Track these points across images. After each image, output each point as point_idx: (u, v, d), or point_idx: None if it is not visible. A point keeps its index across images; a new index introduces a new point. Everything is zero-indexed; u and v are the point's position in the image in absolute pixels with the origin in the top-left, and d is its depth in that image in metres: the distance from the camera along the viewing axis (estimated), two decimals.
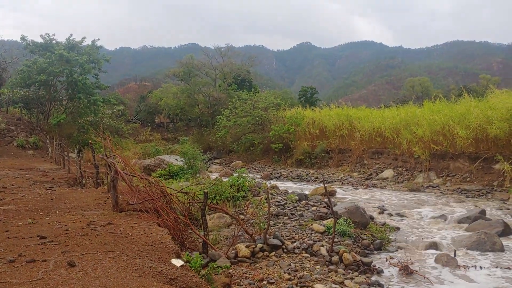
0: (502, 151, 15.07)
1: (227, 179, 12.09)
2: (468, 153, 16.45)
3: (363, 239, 8.97)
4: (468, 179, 15.99)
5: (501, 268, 7.87)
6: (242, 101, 28.09)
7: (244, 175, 12.26)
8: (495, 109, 15.27)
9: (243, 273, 6.82)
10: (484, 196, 14.46)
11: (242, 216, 9.42)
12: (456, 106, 17.92)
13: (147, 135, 37.00)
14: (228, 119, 27.44)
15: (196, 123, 37.35)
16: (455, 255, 8.45)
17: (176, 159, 20.66)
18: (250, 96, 28.47)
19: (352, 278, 6.86)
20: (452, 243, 9.46)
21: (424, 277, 7.33)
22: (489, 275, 7.54)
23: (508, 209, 12.28)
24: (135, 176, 7.60)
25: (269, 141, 25.19)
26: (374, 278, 7.16)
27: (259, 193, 11.72)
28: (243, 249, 7.51)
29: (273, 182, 17.27)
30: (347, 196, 15.03)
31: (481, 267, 7.88)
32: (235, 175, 12.67)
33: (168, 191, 8.01)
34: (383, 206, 12.91)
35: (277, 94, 31.65)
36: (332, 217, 9.14)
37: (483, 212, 11.38)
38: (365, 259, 7.75)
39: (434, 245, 9.12)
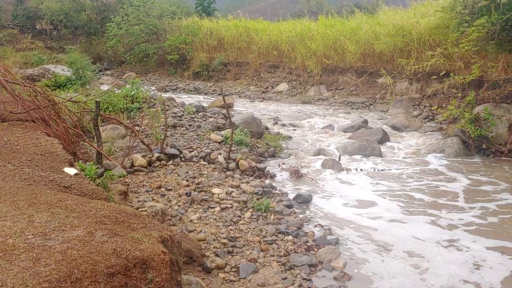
0: (386, 66, 16.19)
1: (119, 91, 11.62)
2: (356, 68, 17.45)
3: (258, 148, 9.39)
4: (354, 92, 17.12)
5: (378, 169, 8.82)
6: (134, 7, 26.31)
7: (138, 86, 11.87)
8: (382, 25, 16.12)
9: (140, 181, 6.86)
10: (367, 107, 15.68)
11: (137, 128, 9.27)
12: (348, 22, 18.58)
13: (27, 43, 33.53)
14: (119, 27, 25.68)
15: (84, 30, 34.45)
16: (339, 160, 9.26)
17: (63, 70, 19.24)
18: (143, 2, 26.72)
19: (247, 182, 7.25)
20: (337, 149, 10.30)
21: (312, 179, 7.99)
22: (367, 175, 8.43)
23: (387, 118, 13.49)
24: (18, 84, 6.99)
25: (164, 52, 24.29)
26: (267, 181, 7.64)
27: (154, 104, 11.51)
28: (139, 159, 7.49)
29: (169, 95, 17.00)
30: (244, 108, 15.36)
31: (361, 169, 8.76)
32: (128, 86, 12.21)
33: (56, 100, 7.54)
34: (277, 117, 13.46)
35: (173, 1, 30.05)
36: (229, 128, 9.38)
37: (365, 121, 12.40)
38: (260, 165, 8.18)
39: (321, 152, 9.87)
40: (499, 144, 10.15)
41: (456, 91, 12.34)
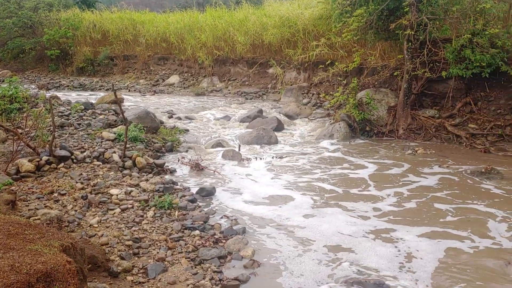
0: (275, 57, 16.67)
1: None
2: (247, 59, 17.73)
3: (154, 143, 9.14)
4: (247, 83, 17.40)
5: (276, 156, 9.08)
6: None
7: (16, 84, 10.84)
8: (269, 17, 16.55)
9: (29, 188, 6.30)
10: (260, 97, 16.04)
11: (20, 130, 8.49)
12: (236, 13, 18.77)
13: None
14: None
15: None
16: (239, 150, 9.36)
17: None
18: None
19: (147, 180, 7.02)
20: (236, 140, 10.41)
21: (214, 172, 7.98)
22: (269, 163, 8.64)
23: (280, 107, 13.93)
24: None
25: (43, 47, 22.46)
26: (168, 177, 7.46)
27: (37, 104, 10.62)
28: (26, 164, 6.86)
29: (52, 93, 15.82)
30: (136, 103, 14.83)
31: (261, 158, 8.95)
32: (4, 85, 11.10)
33: None
34: (172, 110, 13.21)
35: None
36: (122, 124, 8.98)
37: (260, 111, 12.68)
38: (158, 161, 7.97)
39: (220, 143, 9.90)
40: (381, 126, 11.03)
41: (341, 79, 13.13)
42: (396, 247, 5.26)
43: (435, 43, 10.14)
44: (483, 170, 7.86)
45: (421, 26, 9.94)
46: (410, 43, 10.35)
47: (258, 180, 7.70)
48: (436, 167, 8.34)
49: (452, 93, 10.66)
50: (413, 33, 9.97)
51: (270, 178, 7.81)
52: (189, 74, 19.43)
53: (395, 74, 11.42)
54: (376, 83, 12.20)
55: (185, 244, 5.11)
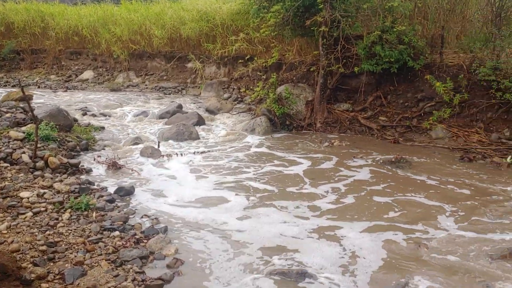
0: (194, 51, 16.47)
1: None
2: (164, 53, 17.35)
3: (68, 142, 8.67)
4: (165, 77, 17.04)
5: (197, 152, 8.99)
6: None
7: None
8: (187, 10, 16.29)
9: None
10: (179, 92, 15.80)
11: None
12: (152, 7, 18.27)
13: None
14: None
15: None
16: (158, 146, 9.15)
17: None
18: None
19: (61, 181, 6.64)
20: (155, 136, 10.17)
21: (132, 170, 7.73)
22: (189, 159, 8.53)
23: (200, 102, 13.81)
24: None
25: None
26: (84, 177, 7.12)
27: None
28: None
29: None
30: (47, 100, 13.96)
31: (182, 154, 8.81)
32: None
33: None
34: (86, 107, 12.60)
35: None
36: (32, 122, 8.42)
37: (180, 106, 12.49)
38: (73, 161, 7.58)
39: (138, 140, 9.61)
40: (300, 120, 11.32)
41: (261, 74, 13.27)
42: (341, 245, 5.24)
43: (348, 39, 10.58)
44: (393, 160, 8.35)
45: (334, 23, 10.31)
46: (325, 40, 10.71)
47: (181, 177, 7.57)
48: (361, 161, 8.62)
49: (364, 88, 11.19)
50: (327, 29, 10.32)
51: (194, 176, 7.66)
52: (103, 69, 18.63)
53: (311, 69, 11.77)
54: (294, 78, 12.49)
55: (105, 246, 4.90)
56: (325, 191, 7.03)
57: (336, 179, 7.61)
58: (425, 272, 4.63)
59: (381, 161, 8.49)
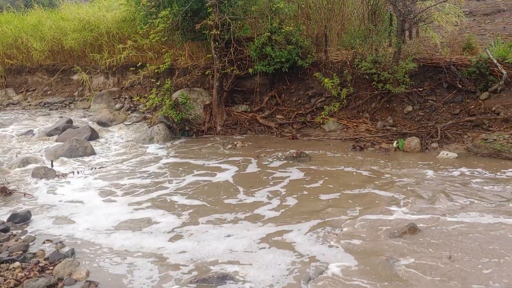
0: (79, 62, 15.63)
1: None
2: (46, 66, 16.26)
3: None
4: (49, 92, 15.96)
5: (97, 168, 8.52)
6: None
7: None
8: (67, 20, 15.41)
9: None
10: (67, 106, 14.89)
11: None
12: (27, 17, 16.99)
13: None
14: None
15: None
16: (52, 166, 8.52)
17: None
18: None
19: None
20: (47, 156, 9.46)
21: (25, 194, 7.12)
22: (90, 177, 8.05)
23: (91, 115, 13.15)
24: None
25: None
26: None
27: None
28: None
29: None
30: None
31: (79, 172, 8.29)
32: None
33: None
34: None
35: None
36: None
37: (70, 121, 11.77)
38: None
39: (28, 161, 8.87)
40: (199, 124, 11.28)
41: (153, 80, 12.98)
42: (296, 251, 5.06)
43: (240, 42, 10.78)
44: (294, 155, 8.67)
45: (225, 26, 10.44)
46: (217, 43, 10.79)
47: (87, 199, 6.98)
48: (276, 161, 8.78)
49: (259, 88, 11.48)
50: (218, 32, 10.41)
51: (103, 197, 7.08)
52: None
53: (206, 73, 11.79)
54: (189, 83, 12.42)
55: (5, 280, 4.44)
56: (266, 197, 6.80)
57: (271, 182, 7.44)
58: (334, 255, 4.86)
59: (283, 156, 8.75)
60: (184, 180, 7.74)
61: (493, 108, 9.39)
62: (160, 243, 5.36)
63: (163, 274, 4.66)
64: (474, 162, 8.06)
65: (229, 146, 9.74)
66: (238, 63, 11.06)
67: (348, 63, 10.89)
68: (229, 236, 5.48)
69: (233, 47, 10.59)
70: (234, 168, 8.28)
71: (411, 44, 11.48)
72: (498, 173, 7.38)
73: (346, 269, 4.60)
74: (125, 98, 14.28)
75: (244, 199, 6.77)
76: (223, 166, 8.47)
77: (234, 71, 10.95)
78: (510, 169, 7.55)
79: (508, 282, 4.21)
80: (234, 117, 11.26)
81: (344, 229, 5.56)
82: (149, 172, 8.25)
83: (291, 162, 8.46)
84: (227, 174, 8.00)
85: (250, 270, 4.67)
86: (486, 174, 7.40)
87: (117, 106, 13.82)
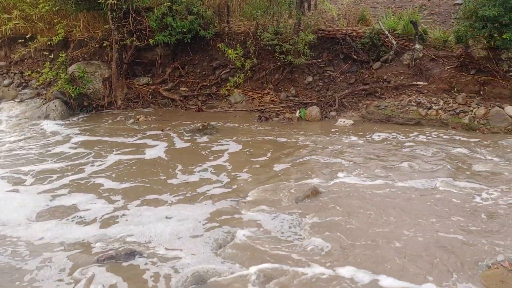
0: None
1: None
2: None
3: None
4: None
5: None
6: None
7: None
8: None
9: None
10: None
11: None
12: None
13: None
14: None
15: None
16: None
17: None
18: None
19: None
20: None
21: None
22: None
23: None
24: None
25: None
26: None
27: None
28: None
29: None
30: None
31: None
32: None
33: None
34: None
35: None
36: None
37: None
38: None
39: None
40: (98, 99, 10.76)
41: (47, 53, 12.07)
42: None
43: (139, 12, 10.35)
44: (200, 127, 8.63)
45: None
46: (114, 13, 10.25)
47: None
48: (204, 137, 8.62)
49: (161, 60, 11.17)
50: (115, 2, 9.89)
51: (11, 186, 6.41)
52: None
53: (104, 45, 11.21)
54: (86, 55, 11.72)
55: None
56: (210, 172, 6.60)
57: (209, 157, 7.22)
58: (243, 223, 4.99)
59: (188, 129, 8.67)
60: (106, 160, 7.21)
61: (385, 77, 10.05)
62: (88, 231, 4.95)
63: (77, 261, 4.46)
64: (368, 127, 8.62)
65: (131, 120, 9.43)
66: (138, 34, 10.64)
67: (251, 34, 10.95)
68: (167, 218, 5.19)
69: (131, 17, 10.16)
70: (163, 144, 7.97)
71: (310, 16, 11.81)
72: (390, 137, 7.97)
73: (252, 235, 4.74)
74: (15, 73, 13.12)
75: (187, 178, 6.41)
76: (148, 142, 8.12)
77: (134, 42, 10.53)
78: (399, 133, 8.18)
79: (392, 237, 4.61)
80: (136, 90, 10.89)
81: (248, 198, 5.70)
82: (59, 154, 7.62)
83: (197, 135, 8.40)
84: (156, 150, 7.65)
85: (161, 246, 4.64)
86: (379, 138, 7.95)
87: (6, 82, 12.66)
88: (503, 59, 9.70)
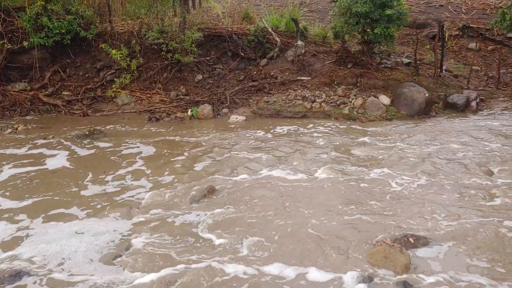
0: None
1: None
2: None
3: None
4: None
5: None
6: None
7: None
8: None
9: None
10: None
11: None
12: None
13: None
14: None
15: None
16: None
17: None
18: None
19: None
20: None
21: None
22: None
23: None
24: None
25: None
26: None
27: None
28: None
29: None
30: None
31: None
32: None
33: None
34: None
35: None
36: None
37: None
38: None
39: None
40: None
41: None
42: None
43: (9, 11, 9.53)
44: (87, 133, 8.21)
45: None
46: None
47: None
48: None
49: (39, 64, 10.37)
50: None
51: None
52: None
53: None
54: None
55: None
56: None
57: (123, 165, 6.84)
58: (139, 229, 4.87)
59: (74, 135, 8.20)
60: None
61: (272, 73, 10.40)
62: None
63: None
64: (260, 122, 8.88)
65: (9, 130, 8.66)
66: (10, 35, 9.79)
67: (135, 33, 10.65)
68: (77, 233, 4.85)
69: (0, 17, 9.30)
70: (63, 152, 7.38)
71: (195, 14, 11.80)
72: (286, 132, 8.30)
73: (149, 240, 4.64)
74: None
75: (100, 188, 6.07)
76: (44, 151, 7.43)
77: (5, 45, 9.66)
78: (287, 125, 8.55)
79: (290, 227, 4.84)
80: (12, 98, 10.00)
81: (142, 202, 5.57)
82: None
83: (86, 141, 7.94)
84: (58, 160, 7.06)
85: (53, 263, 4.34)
86: (269, 133, 8.23)
87: None
88: (376, 52, 10.57)
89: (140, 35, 10.44)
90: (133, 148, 7.58)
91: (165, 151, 7.41)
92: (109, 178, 6.34)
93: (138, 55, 10.37)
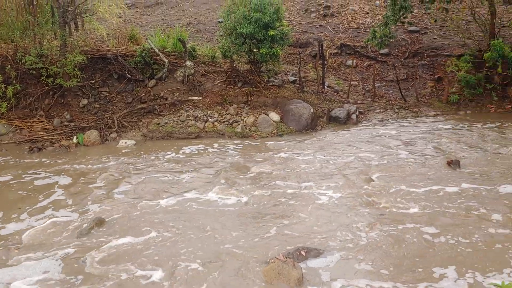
0: None
1: None
2: None
3: None
4: None
5: None
6: None
7: None
8: None
9: None
10: None
11: None
12: None
13: None
14: None
15: None
16: None
17: None
18: None
19: None
20: None
21: None
22: None
23: None
24: None
25: None
26: None
27: None
28: None
29: None
30: None
31: None
32: None
33: None
34: None
35: None
36: None
37: None
38: None
39: None
40: None
41: None
42: None
43: None
44: None
45: None
46: None
47: None
48: None
49: None
50: None
51: None
52: None
53: None
54: None
55: None
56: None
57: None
58: (20, 273, 4.45)
59: None
60: None
61: (161, 94, 10.26)
62: None
63: None
64: (150, 146, 8.68)
65: None
66: None
67: (10, 57, 9.89)
68: None
69: None
70: None
71: (77, 36, 11.30)
72: (179, 154, 8.17)
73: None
74: None
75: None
76: None
77: None
78: (184, 145, 8.47)
79: (187, 250, 4.76)
80: None
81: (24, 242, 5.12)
82: None
83: None
84: None
85: None
86: (165, 156, 8.07)
87: None
88: (264, 71, 10.92)
89: (16, 60, 9.71)
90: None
91: (47, 180, 6.92)
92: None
93: (14, 81, 9.63)
